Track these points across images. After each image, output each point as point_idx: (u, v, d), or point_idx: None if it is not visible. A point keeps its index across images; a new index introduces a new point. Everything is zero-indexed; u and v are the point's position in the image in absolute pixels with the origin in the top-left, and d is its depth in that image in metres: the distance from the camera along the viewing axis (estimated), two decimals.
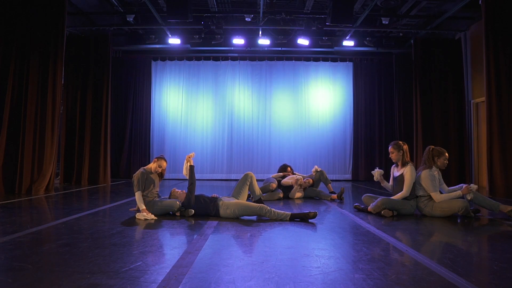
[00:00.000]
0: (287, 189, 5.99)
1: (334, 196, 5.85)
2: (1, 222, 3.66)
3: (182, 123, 10.79)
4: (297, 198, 5.99)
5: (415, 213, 4.41)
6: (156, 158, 4.34)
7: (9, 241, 2.87)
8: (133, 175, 4.22)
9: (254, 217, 4.06)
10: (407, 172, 4.29)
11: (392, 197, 4.35)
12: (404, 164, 4.40)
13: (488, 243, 3.15)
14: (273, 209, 3.97)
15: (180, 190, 4.26)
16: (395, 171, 4.54)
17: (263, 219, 3.97)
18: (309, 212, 3.88)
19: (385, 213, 4.20)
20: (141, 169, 4.21)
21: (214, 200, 4.13)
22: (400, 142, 4.51)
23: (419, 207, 4.33)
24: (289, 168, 6.45)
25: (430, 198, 4.24)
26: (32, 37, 6.64)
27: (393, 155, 4.47)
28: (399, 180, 4.39)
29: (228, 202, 4.08)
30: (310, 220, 3.88)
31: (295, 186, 5.91)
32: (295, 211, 4.52)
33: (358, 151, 10.69)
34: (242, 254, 2.60)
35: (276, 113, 10.87)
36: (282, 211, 3.95)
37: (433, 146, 4.41)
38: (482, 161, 8.41)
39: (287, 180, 5.98)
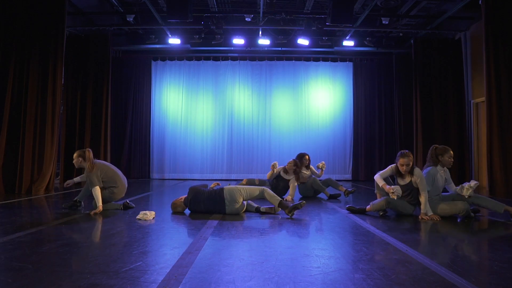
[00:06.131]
0: (283, 181, 6.01)
1: (343, 189, 6.02)
2: (1, 222, 3.66)
3: (182, 123, 10.78)
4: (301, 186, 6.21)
5: (415, 213, 4.41)
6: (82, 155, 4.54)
7: (9, 241, 2.87)
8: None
9: (254, 215, 4.07)
10: (418, 175, 4.09)
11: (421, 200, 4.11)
12: (410, 172, 4.16)
13: (488, 243, 3.15)
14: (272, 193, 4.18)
15: (180, 198, 4.39)
16: (400, 179, 4.28)
17: (263, 217, 3.97)
18: (299, 203, 4.04)
19: (380, 210, 4.22)
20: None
21: (219, 193, 4.19)
22: (408, 151, 4.20)
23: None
24: (306, 157, 6.34)
25: (430, 198, 4.21)
26: (32, 37, 6.64)
27: (408, 167, 4.11)
28: (409, 186, 4.18)
29: (231, 188, 4.24)
30: (301, 217, 3.92)
31: (273, 170, 5.99)
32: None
33: (358, 151, 10.67)
34: (242, 254, 2.60)
35: (276, 113, 10.86)
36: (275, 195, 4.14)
37: (436, 145, 4.33)
38: (482, 161, 8.41)
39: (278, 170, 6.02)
